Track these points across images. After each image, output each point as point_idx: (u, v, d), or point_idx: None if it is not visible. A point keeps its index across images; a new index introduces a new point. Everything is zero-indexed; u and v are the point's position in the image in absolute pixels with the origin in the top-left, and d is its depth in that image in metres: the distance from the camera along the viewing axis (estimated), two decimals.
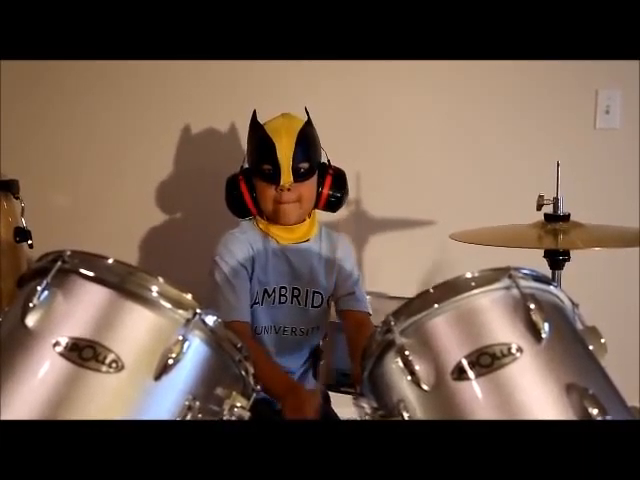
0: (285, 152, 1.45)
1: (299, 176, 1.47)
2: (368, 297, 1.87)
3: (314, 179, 1.52)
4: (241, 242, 1.50)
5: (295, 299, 1.52)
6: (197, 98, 2.08)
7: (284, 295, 1.51)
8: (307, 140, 1.49)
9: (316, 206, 1.55)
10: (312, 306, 1.53)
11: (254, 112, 1.55)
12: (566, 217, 1.46)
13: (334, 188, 1.54)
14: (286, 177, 1.45)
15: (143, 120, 2.09)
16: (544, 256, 1.45)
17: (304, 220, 1.54)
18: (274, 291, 1.50)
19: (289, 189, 1.46)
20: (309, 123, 1.53)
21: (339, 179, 1.55)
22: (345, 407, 0.98)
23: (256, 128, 1.52)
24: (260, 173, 1.48)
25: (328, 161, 1.57)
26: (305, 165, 1.48)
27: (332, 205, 1.56)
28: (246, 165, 1.55)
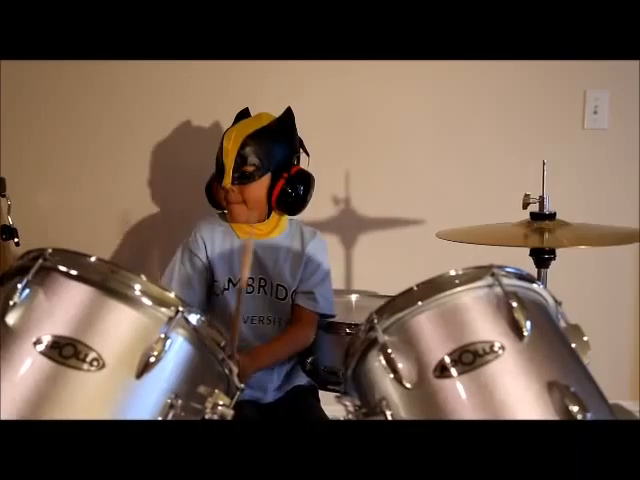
0: (229, 155, 1.51)
1: (242, 179, 1.51)
2: (356, 295, 1.89)
3: (263, 182, 1.52)
4: (205, 233, 1.56)
5: (262, 289, 1.55)
6: (188, 97, 2.07)
7: (251, 285, 1.54)
8: (258, 143, 1.51)
9: (271, 207, 1.56)
10: (277, 298, 1.55)
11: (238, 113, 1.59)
12: (552, 216, 1.46)
13: (286, 192, 1.53)
14: (226, 179, 1.51)
15: (131, 120, 2.08)
16: (530, 254, 1.46)
17: (263, 219, 1.56)
18: (240, 280, 1.51)
19: (233, 190, 1.51)
20: (278, 124, 1.55)
21: (294, 182, 1.55)
22: (333, 405, 0.98)
23: None
24: (216, 172, 1.56)
25: (296, 160, 1.58)
26: (249, 168, 1.50)
27: (287, 208, 1.57)
28: None
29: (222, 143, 1.53)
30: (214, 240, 1.56)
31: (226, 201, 1.54)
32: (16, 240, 1.57)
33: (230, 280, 1.54)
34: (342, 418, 0.90)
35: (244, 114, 1.62)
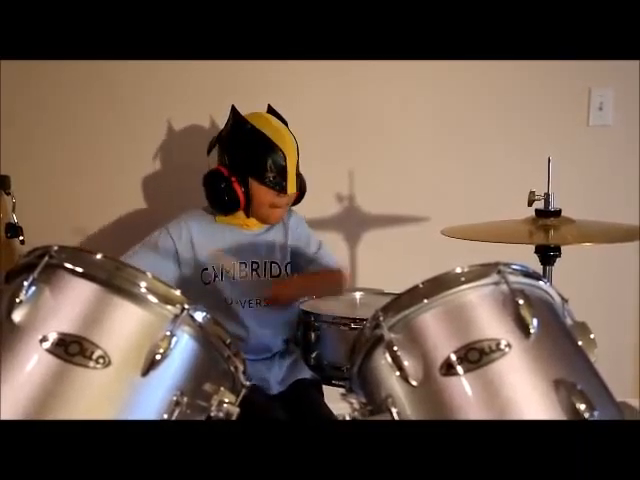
0: (292, 163, 1.54)
1: (298, 183, 1.58)
2: (361, 293, 1.89)
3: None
4: (191, 222, 1.59)
5: (255, 272, 1.60)
6: (188, 97, 2.06)
7: (244, 270, 1.58)
8: (298, 147, 1.58)
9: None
10: (271, 276, 1.61)
11: (236, 111, 1.58)
12: (557, 213, 1.45)
13: (303, 188, 1.64)
14: (292, 187, 1.55)
15: (131, 120, 2.08)
16: (535, 252, 1.45)
17: None
18: (233, 267, 1.57)
19: (288, 195, 1.56)
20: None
21: (301, 177, 1.63)
22: (339, 402, 0.98)
23: (251, 131, 1.54)
24: (263, 179, 1.52)
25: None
26: (299, 173, 1.58)
27: (299, 201, 1.66)
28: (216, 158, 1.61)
29: (276, 150, 1.52)
30: (200, 229, 1.59)
31: (273, 206, 1.56)
32: (21, 238, 1.57)
33: (222, 268, 1.58)
34: (348, 415, 0.90)
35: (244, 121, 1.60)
